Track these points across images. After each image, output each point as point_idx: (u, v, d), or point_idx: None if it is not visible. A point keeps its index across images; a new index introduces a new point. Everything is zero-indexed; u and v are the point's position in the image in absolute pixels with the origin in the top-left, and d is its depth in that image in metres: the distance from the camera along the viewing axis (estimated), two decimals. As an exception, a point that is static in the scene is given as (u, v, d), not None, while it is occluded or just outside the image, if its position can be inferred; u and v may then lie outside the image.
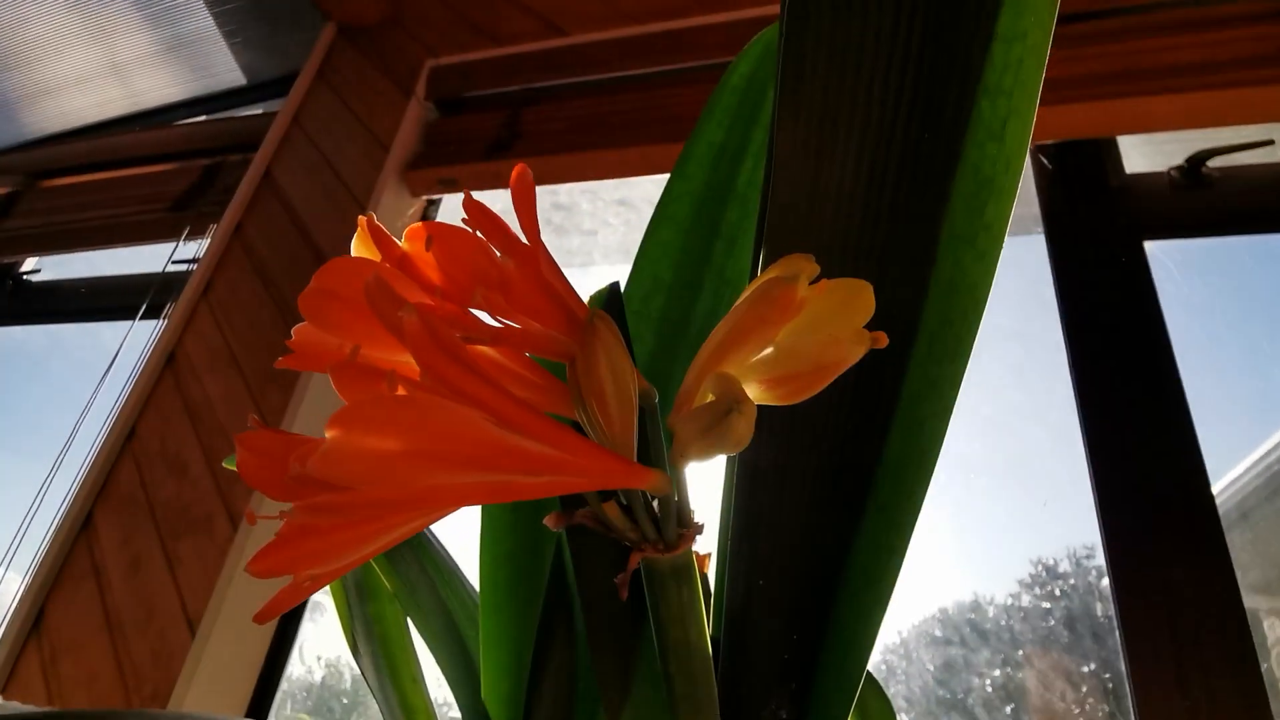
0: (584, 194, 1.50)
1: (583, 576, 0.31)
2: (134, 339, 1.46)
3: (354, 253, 0.22)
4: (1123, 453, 0.94)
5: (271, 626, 1.17)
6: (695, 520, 0.23)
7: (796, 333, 0.16)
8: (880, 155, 0.20)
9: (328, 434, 0.13)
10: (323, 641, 1.24)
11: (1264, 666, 0.84)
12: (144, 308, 1.50)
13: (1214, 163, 1.15)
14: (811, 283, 0.16)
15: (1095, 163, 1.19)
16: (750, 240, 0.33)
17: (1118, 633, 0.90)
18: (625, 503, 0.22)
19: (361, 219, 0.20)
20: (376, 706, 0.46)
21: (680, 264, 0.35)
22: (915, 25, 0.18)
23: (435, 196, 1.48)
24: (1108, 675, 0.92)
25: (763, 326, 0.16)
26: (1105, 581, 0.98)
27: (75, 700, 1.09)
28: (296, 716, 1.25)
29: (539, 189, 1.45)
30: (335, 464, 0.13)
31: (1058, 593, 1.02)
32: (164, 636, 1.12)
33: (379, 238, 0.19)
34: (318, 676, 1.27)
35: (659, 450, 0.23)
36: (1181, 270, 1.10)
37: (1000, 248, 0.19)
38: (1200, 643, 0.88)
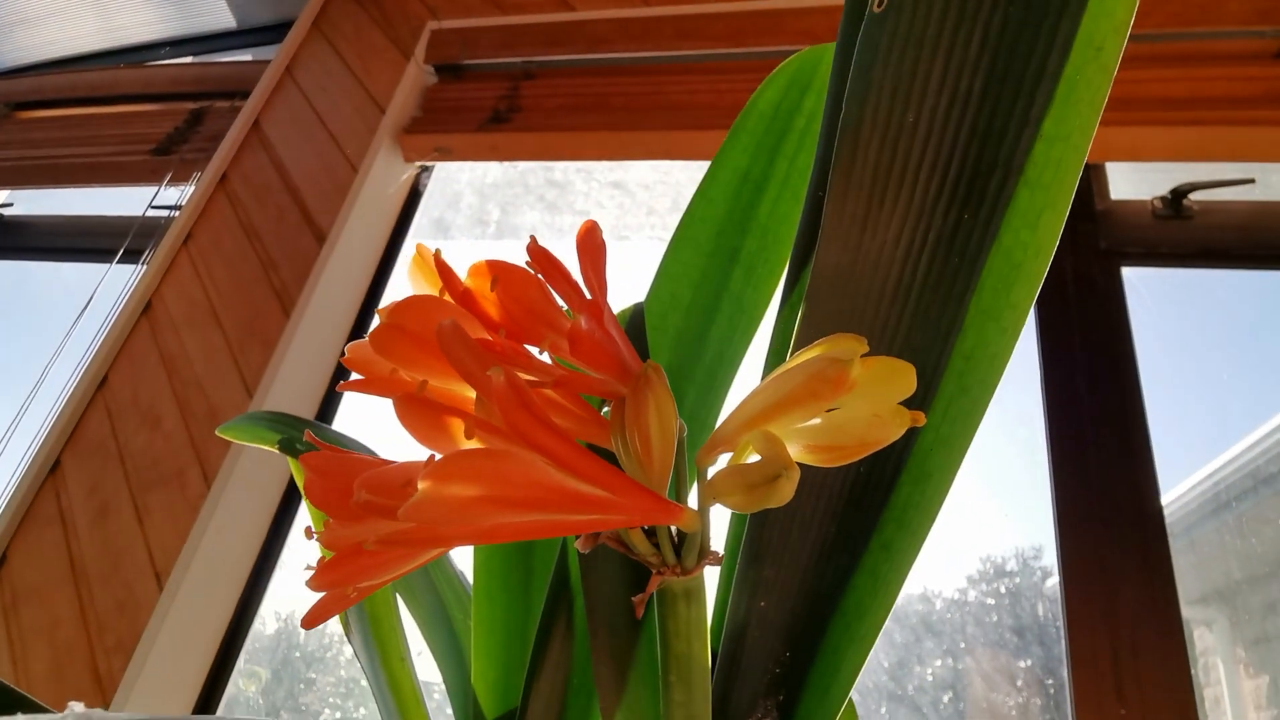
0: (579, 173, 1.49)
1: (589, 582, 0.33)
2: (109, 283, 1.43)
3: (409, 276, 0.22)
4: (1083, 467, 0.98)
5: (240, 583, 1.18)
6: (713, 549, 0.24)
7: (844, 410, 0.18)
8: (920, 232, 0.21)
9: (420, 485, 0.14)
10: (280, 598, 1.24)
11: (1192, 672, 0.89)
12: (121, 252, 1.47)
13: (1196, 196, 1.19)
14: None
15: (1083, 185, 1.22)
16: (770, 271, 0.34)
17: (1064, 640, 0.94)
18: (650, 529, 0.23)
19: (420, 246, 0.21)
20: (331, 663, 0.47)
21: (699, 286, 0.36)
22: (965, 120, 0.20)
23: (429, 164, 1.46)
24: (1050, 681, 0.97)
25: (814, 400, 0.17)
26: (1050, 582, 1.03)
27: (35, 648, 1.09)
28: (251, 669, 1.26)
29: (533, 164, 1.44)
30: (421, 511, 0.14)
31: (1003, 590, 1.06)
32: (130, 588, 1.12)
33: (445, 274, 0.20)
34: (270, 628, 1.28)
35: (684, 481, 0.24)
36: (1155, 298, 1.14)
37: (1023, 324, 0.21)
38: (1139, 655, 0.92)
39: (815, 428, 0.18)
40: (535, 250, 0.20)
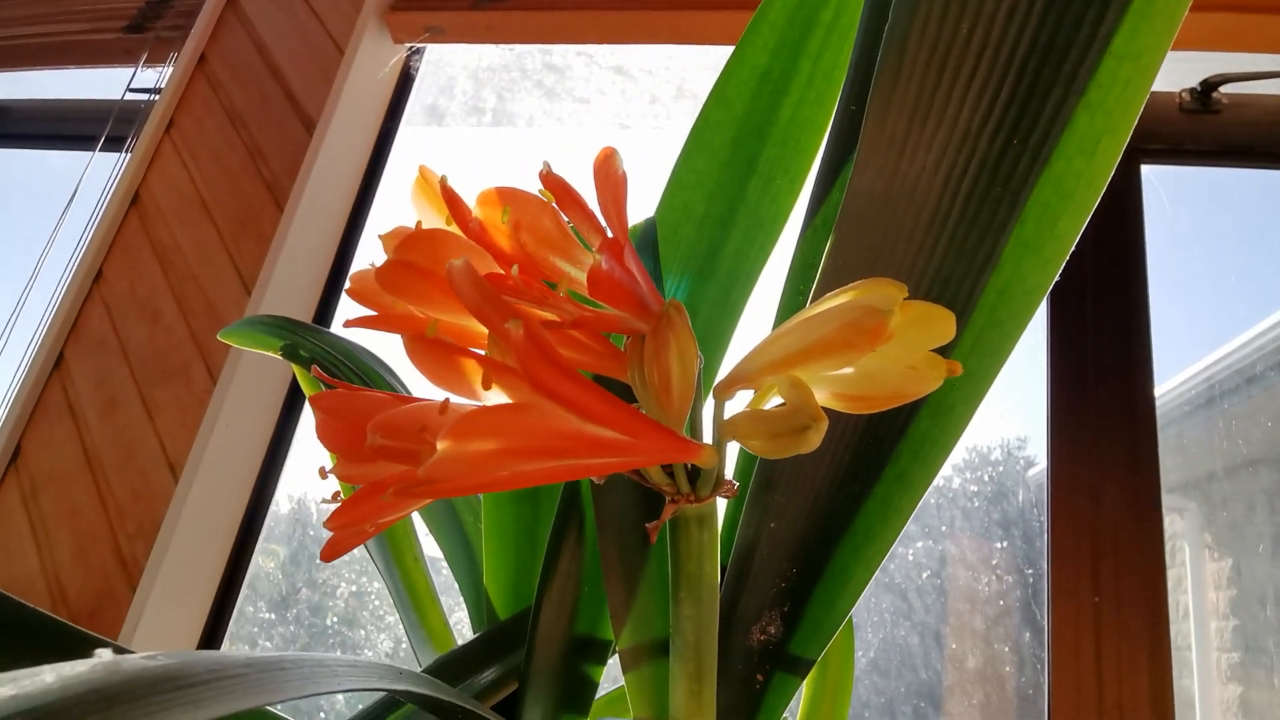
0: (579, 56, 1.41)
1: (600, 503, 0.33)
2: (94, 173, 1.38)
3: (412, 199, 0.21)
4: (1082, 359, 0.98)
5: (254, 471, 1.21)
6: (728, 479, 0.24)
7: (878, 358, 0.17)
8: (963, 158, 0.19)
9: (440, 444, 0.14)
10: (292, 481, 1.28)
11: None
12: (103, 139, 1.41)
13: (1227, 89, 1.13)
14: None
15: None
16: (789, 182, 0.32)
17: (1046, 533, 0.98)
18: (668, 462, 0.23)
19: (423, 168, 0.20)
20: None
21: (713, 196, 0.34)
22: (1025, 32, 0.18)
23: (419, 46, 1.38)
24: (1030, 570, 1.02)
25: (847, 350, 0.16)
26: (1032, 471, 1.06)
27: (58, 534, 1.13)
28: (270, 548, 1.32)
29: (529, 47, 1.36)
30: (442, 468, 0.14)
31: (986, 478, 1.10)
32: (146, 477, 1.15)
33: (452, 202, 0.18)
34: (285, 509, 1.33)
35: (699, 412, 0.24)
36: (1172, 198, 1.10)
37: (1066, 256, 0.20)
38: (1118, 547, 0.96)
39: (846, 376, 0.17)
40: (549, 178, 0.19)
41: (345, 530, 0.18)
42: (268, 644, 1.29)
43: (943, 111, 0.19)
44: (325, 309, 1.31)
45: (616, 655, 0.36)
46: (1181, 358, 1.08)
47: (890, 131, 0.20)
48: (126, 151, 1.38)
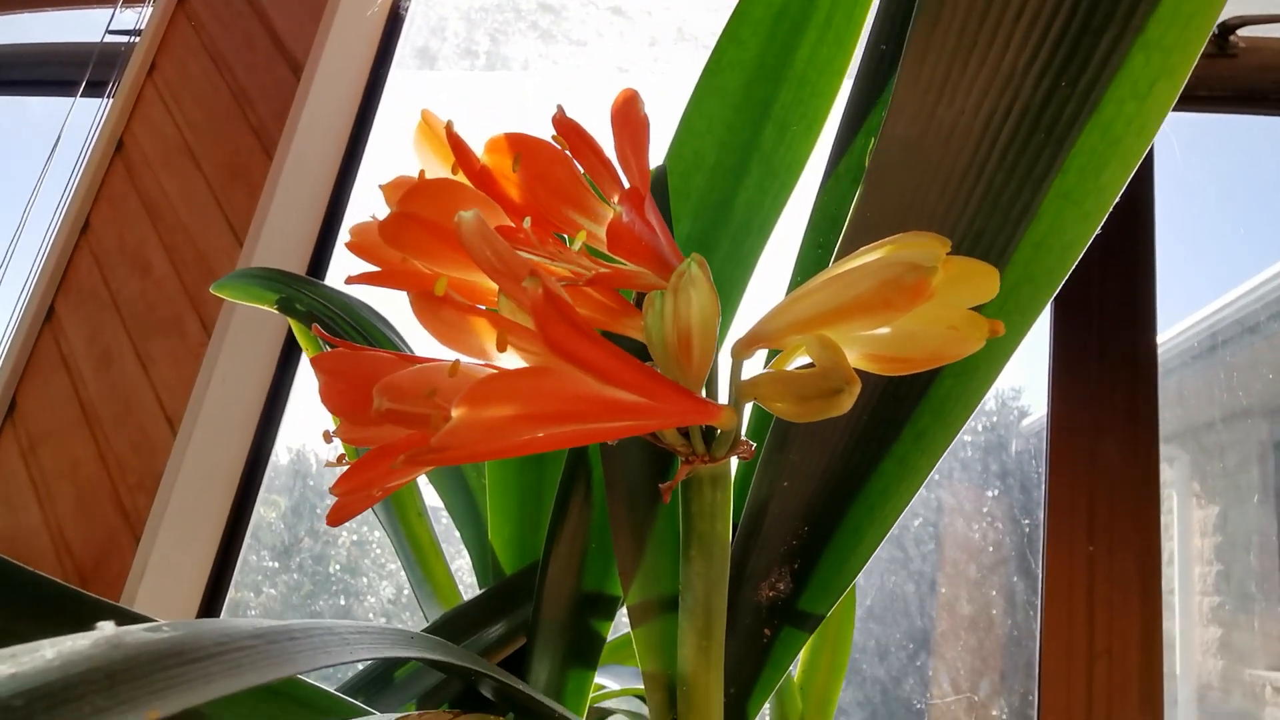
0: (576, -5, 1.36)
1: (608, 455, 0.32)
2: (77, 119, 1.34)
3: (414, 146, 0.20)
4: (1085, 305, 0.97)
5: (252, 423, 1.20)
6: (744, 439, 0.24)
7: (916, 318, 0.16)
8: (1005, 102, 0.18)
9: (455, 411, 0.13)
10: (291, 432, 1.28)
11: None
12: (84, 84, 1.36)
13: (1244, 31, 1.10)
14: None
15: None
16: (806, 129, 0.31)
17: (1044, 484, 0.99)
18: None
19: (426, 113, 0.18)
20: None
21: (725, 144, 0.33)
22: (1083, -38, 0.16)
23: (409, -19, 1.32)
24: (1026, 521, 1.03)
25: (886, 310, 0.15)
26: (1026, 421, 1.07)
27: (59, 487, 1.13)
28: (271, 499, 1.33)
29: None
30: (457, 437, 0.13)
31: (980, 428, 1.10)
32: (144, 431, 1.15)
33: (459, 151, 0.17)
34: (284, 460, 1.34)
35: (714, 371, 0.23)
36: (1183, 145, 1.08)
37: (1108, 210, 0.19)
38: (1114, 497, 0.97)
39: (881, 337, 0.16)
40: (563, 123, 0.18)
41: (351, 496, 0.18)
42: (272, 590, 1.30)
43: (986, 52, 0.18)
44: (319, 261, 1.29)
45: (625, 610, 0.36)
46: (1185, 306, 1.08)
47: (929, 74, 0.18)
48: (108, 97, 1.33)
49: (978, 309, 0.19)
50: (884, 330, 0.17)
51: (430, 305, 0.17)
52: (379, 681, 0.36)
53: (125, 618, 0.25)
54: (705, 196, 0.33)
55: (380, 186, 0.20)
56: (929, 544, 1.05)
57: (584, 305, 0.20)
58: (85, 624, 0.22)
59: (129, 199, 1.26)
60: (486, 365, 0.17)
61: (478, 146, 0.18)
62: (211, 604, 1.13)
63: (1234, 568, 1.07)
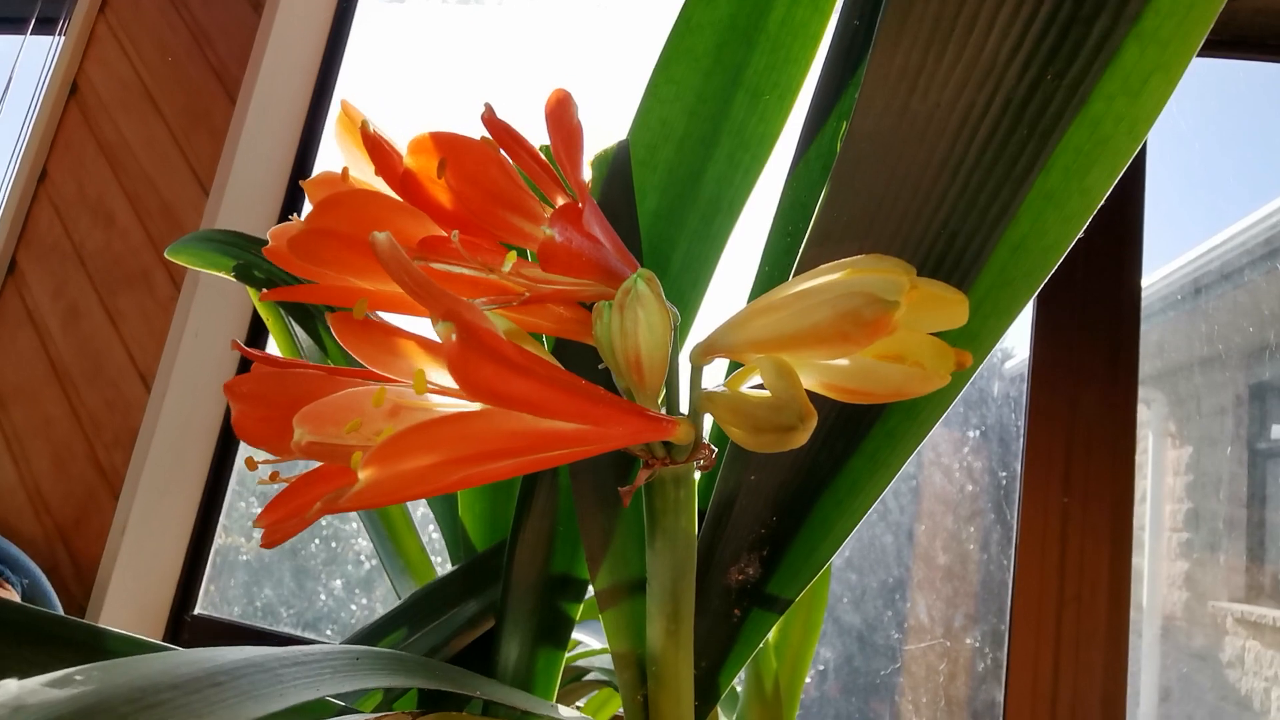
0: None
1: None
2: (28, 59, 1.27)
3: (337, 139, 0.18)
4: (1071, 249, 0.96)
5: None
6: (705, 443, 0.22)
7: (878, 349, 0.15)
8: (985, 94, 0.16)
9: (362, 474, 0.12)
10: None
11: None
12: (34, 20, 1.28)
13: (1249, -32, 1.06)
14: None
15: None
16: (779, 98, 0.29)
17: (1022, 437, 0.99)
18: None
19: (345, 104, 0.16)
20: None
21: (695, 112, 0.30)
22: (1075, -59, 0.14)
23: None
24: (1004, 473, 1.04)
25: (843, 343, 0.14)
26: (1010, 364, 1.07)
27: (33, 445, 1.12)
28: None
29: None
30: (367, 495, 0.12)
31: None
32: (117, 388, 1.13)
33: (377, 151, 0.15)
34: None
35: (674, 373, 0.22)
36: (1177, 94, 1.05)
37: (1092, 212, 0.17)
38: (1091, 449, 0.98)
39: (840, 368, 0.15)
40: (493, 123, 0.16)
41: (279, 525, 0.17)
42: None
43: (965, 39, 0.16)
44: (291, 209, 1.24)
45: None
46: (1171, 250, 1.07)
47: (901, 63, 0.17)
48: (60, 34, 1.26)
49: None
50: (843, 362, 0.15)
51: (353, 326, 0.15)
52: (347, 664, 0.36)
53: (100, 644, 0.24)
54: (674, 169, 0.31)
55: (302, 184, 0.18)
56: (907, 496, 1.07)
57: (541, 317, 0.18)
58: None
59: (87, 146, 1.21)
60: (411, 392, 0.16)
61: (405, 147, 0.16)
62: (196, 554, 1.13)
63: (1203, 506, 1.10)
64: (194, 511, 1.16)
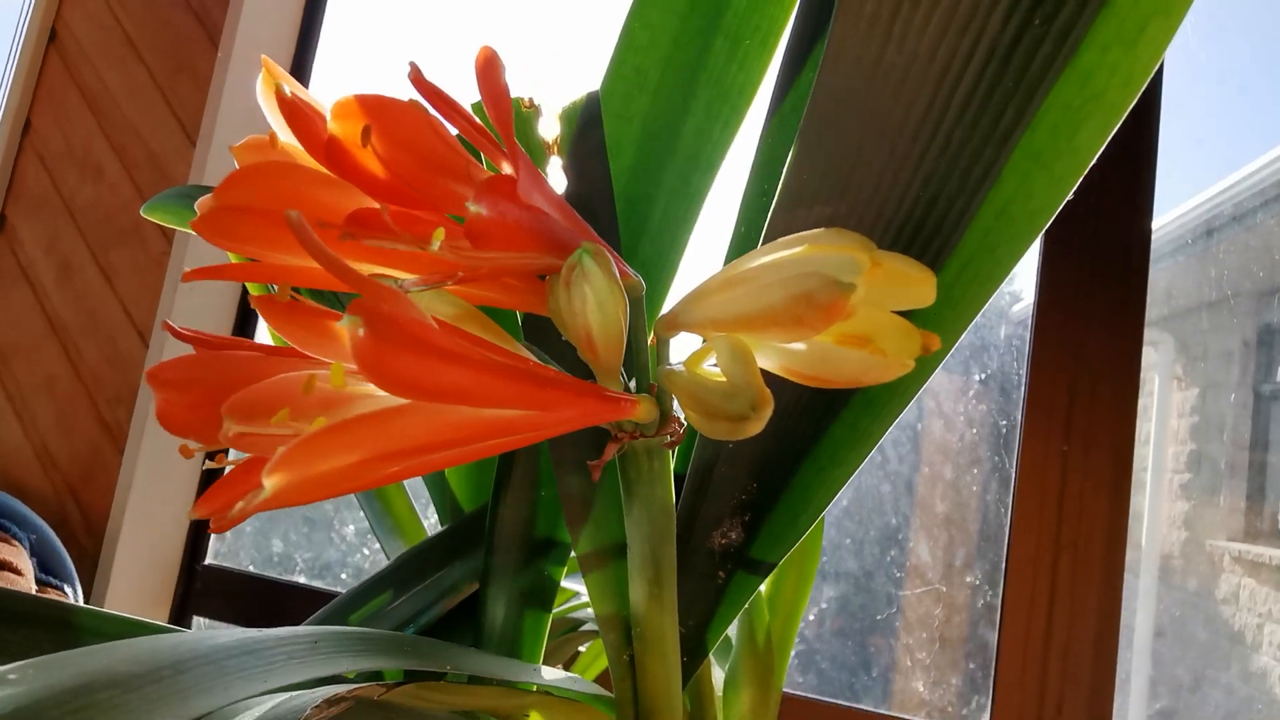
0: None
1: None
2: (4, 7, 1.23)
3: (262, 99, 0.16)
4: (1080, 188, 0.93)
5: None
6: (676, 415, 0.22)
7: (841, 333, 0.14)
8: (967, 43, 0.15)
9: (266, 482, 0.11)
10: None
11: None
12: (2, -36, 1.23)
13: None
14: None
15: None
16: (761, 44, 0.27)
17: (1024, 386, 0.98)
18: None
19: (266, 62, 0.15)
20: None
21: (670, 60, 0.29)
22: None
23: None
24: (1004, 422, 1.03)
25: (797, 326, 0.13)
26: (1017, 307, 1.06)
27: (36, 401, 1.13)
28: None
29: None
30: (281, 499, 0.11)
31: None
32: (115, 345, 1.13)
33: (295, 117, 0.14)
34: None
35: (642, 345, 0.21)
36: (1190, 23, 1.00)
37: (1082, 173, 0.16)
38: (1094, 396, 0.97)
39: (797, 352, 0.14)
40: (421, 83, 0.14)
41: (219, 514, 0.16)
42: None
43: (944, -20, 0.14)
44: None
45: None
46: (1180, 194, 1.04)
47: (873, 8, 0.15)
48: (34, -22, 1.22)
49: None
50: (799, 346, 0.14)
51: (279, 309, 0.14)
52: (334, 625, 0.36)
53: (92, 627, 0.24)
54: (649, 122, 0.29)
55: (230, 149, 0.17)
56: (906, 445, 1.06)
57: (494, 290, 0.17)
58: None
59: (69, 95, 1.18)
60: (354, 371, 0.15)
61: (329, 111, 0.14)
62: (204, 510, 1.14)
63: (1206, 449, 1.10)
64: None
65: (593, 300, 0.15)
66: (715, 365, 0.16)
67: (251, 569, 1.17)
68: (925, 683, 1.01)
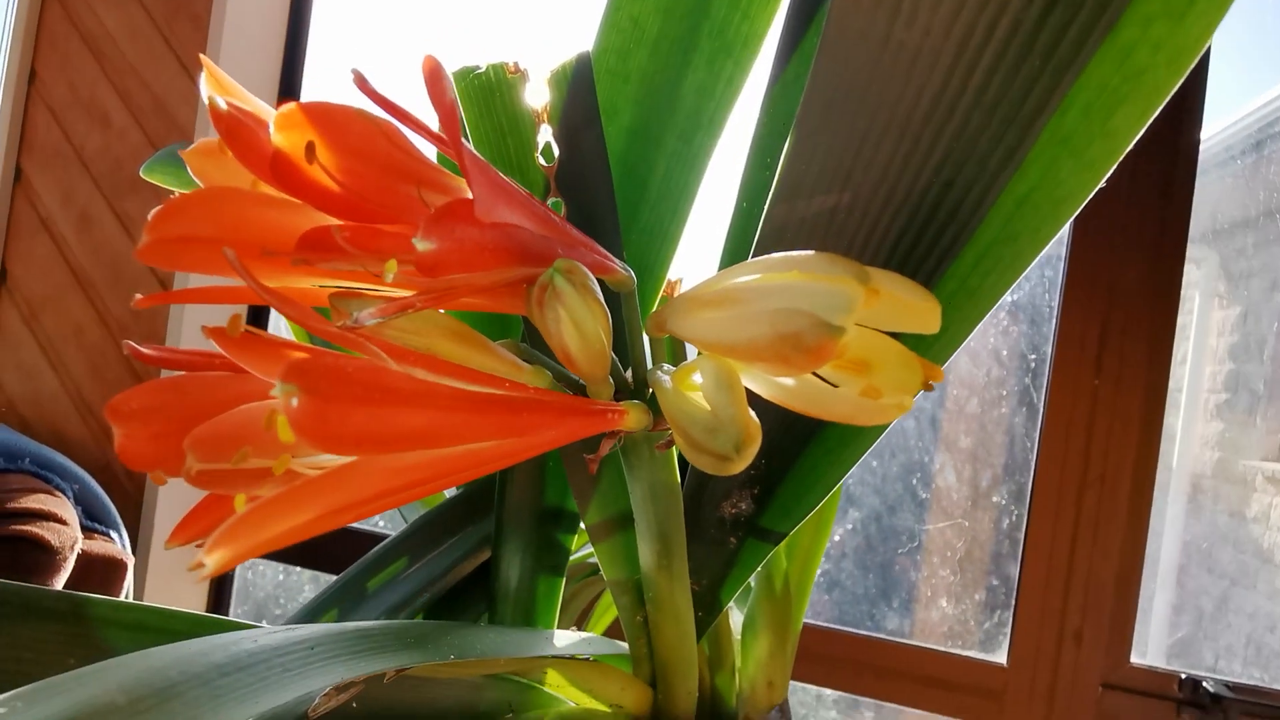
0: None
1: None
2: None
3: (207, 102, 0.15)
4: None
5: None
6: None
7: (836, 363, 0.12)
8: (989, 16, 0.13)
9: (206, 560, 0.10)
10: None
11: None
12: (-11, -100, 1.19)
13: None
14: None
15: None
16: (767, -8, 0.25)
17: (1055, 319, 0.95)
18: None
19: (203, 60, 0.14)
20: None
21: (670, 10, 0.26)
22: None
23: None
24: (1033, 356, 1.01)
25: (783, 365, 0.12)
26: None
27: (67, 351, 1.15)
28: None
29: None
30: (233, 563, 0.11)
31: None
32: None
33: (235, 135, 0.13)
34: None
35: (637, 339, 0.20)
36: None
37: (1117, 160, 0.14)
38: (1126, 331, 0.93)
39: (785, 386, 0.13)
40: (368, 91, 0.13)
41: (193, 541, 0.16)
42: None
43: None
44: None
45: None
46: (1230, 101, 0.97)
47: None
48: (23, -87, 1.17)
49: (941, 282, 0.16)
50: (787, 381, 0.13)
51: (235, 341, 0.13)
52: (352, 594, 0.37)
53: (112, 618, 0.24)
54: (649, 78, 0.27)
55: (181, 154, 0.15)
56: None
57: (472, 298, 0.16)
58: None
59: (71, 41, 1.15)
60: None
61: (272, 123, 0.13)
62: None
63: (1245, 368, 1.08)
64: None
65: (567, 320, 0.14)
66: (698, 395, 0.15)
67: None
68: (948, 609, 1.02)
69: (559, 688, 0.36)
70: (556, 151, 0.25)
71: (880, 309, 0.12)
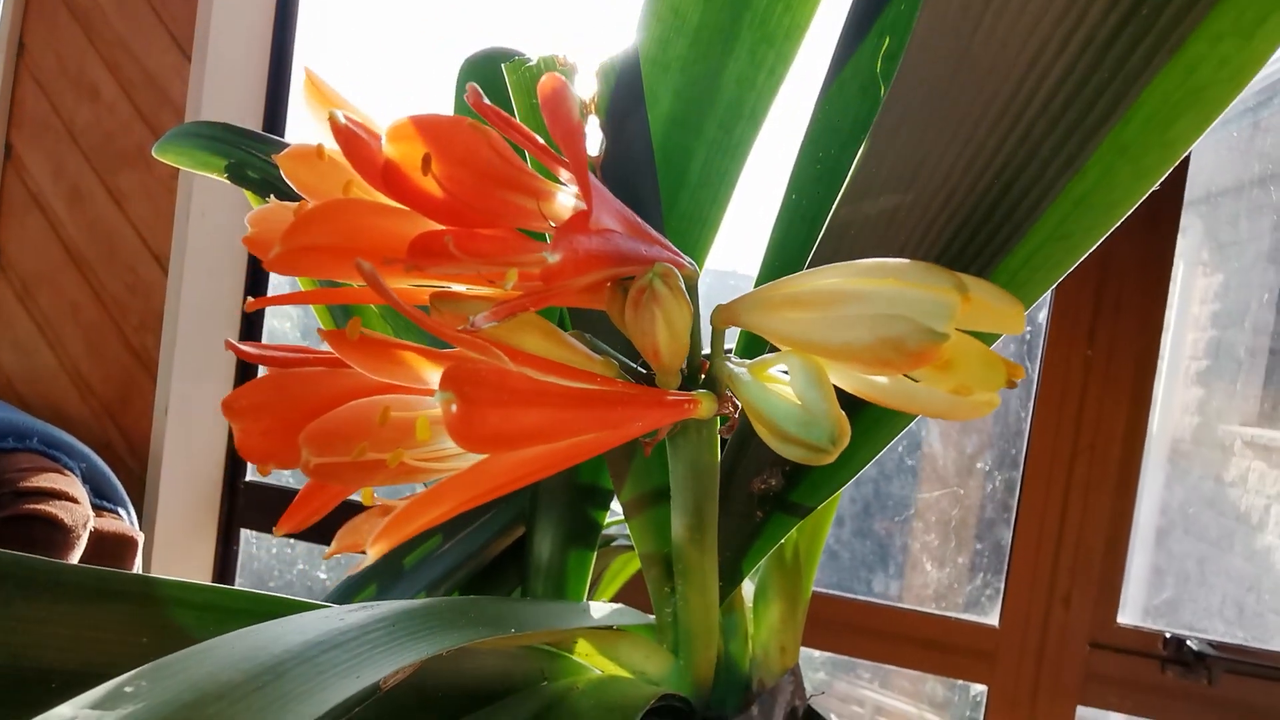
0: None
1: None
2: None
3: (308, 105, 0.16)
4: None
5: (244, 258, 1.17)
6: (728, 394, 0.22)
7: (924, 374, 0.13)
8: (1064, 30, 0.14)
9: (370, 550, 0.11)
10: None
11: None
12: None
13: None
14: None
15: None
16: (809, -17, 0.25)
17: (1049, 295, 0.97)
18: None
19: (309, 73, 0.14)
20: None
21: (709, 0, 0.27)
22: None
23: None
24: (1027, 328, 1.03)
25: (882, 367, 0.13)
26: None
27: (64, 329, 1.14)
28: (280, 310, 1.34)
29: None
30: (387, 547, 0.12)
31: None
32: (135, 271, 1.13)
33: (352, 148, 0.13)
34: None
35: (695, 329, 0.20)
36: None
37: (1171, 167, 0.15)
38: (1120, 305, 0.95)
39: (877, 384, 0.14)
40: (481, 108, 0.13)
41: (303, 524, 0.17)
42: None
43: (1044, -30, 0.13)
44: (279, 71, 1.17)
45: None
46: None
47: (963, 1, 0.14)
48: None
49: (991, 276, 0.16)
50: (882, 380, 0.14)
51: (350, 344, 0.14)
52: (389, 571, 0.38)
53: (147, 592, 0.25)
54: (689, 67, 0.27)
55: (275, 159, 0.16)
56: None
57: (571, 296, 0.17)
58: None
59: (59, 11, 1.13)
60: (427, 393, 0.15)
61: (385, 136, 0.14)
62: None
63: (1226, 335, 1.10)
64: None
65: (661, 320, 0.15)
66: (783, 371, 0.16)
67: (291, 483, 1.22)
68: (938, 575, 1.05)
69: (588, 656, 0.38)
70: (602, 141, 0.26)
71: (969, 313, 0.13)
